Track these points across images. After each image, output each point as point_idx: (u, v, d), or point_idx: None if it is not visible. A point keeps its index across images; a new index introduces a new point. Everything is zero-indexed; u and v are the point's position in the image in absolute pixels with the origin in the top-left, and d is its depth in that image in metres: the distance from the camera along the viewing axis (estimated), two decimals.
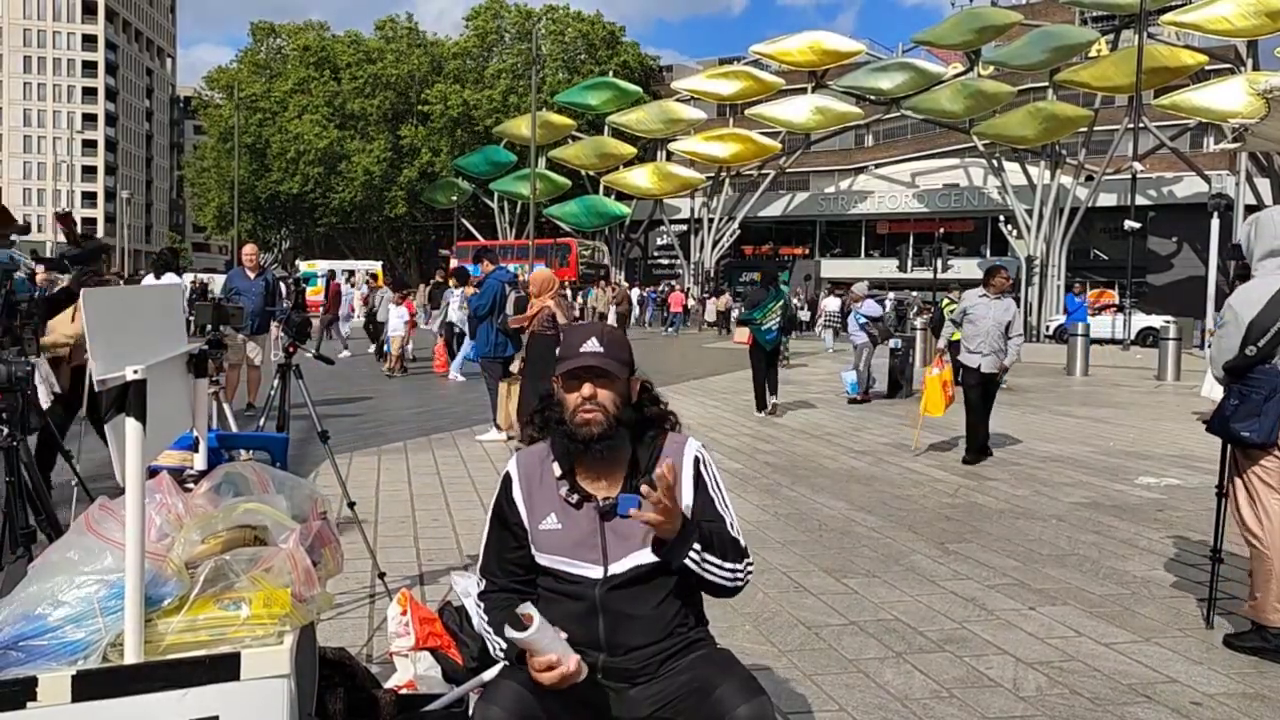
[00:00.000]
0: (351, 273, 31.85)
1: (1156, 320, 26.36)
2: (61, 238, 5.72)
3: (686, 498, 2.19)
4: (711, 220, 45.07)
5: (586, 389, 2.12)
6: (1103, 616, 4.34)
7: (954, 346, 9.18)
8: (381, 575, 4.33)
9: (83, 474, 4.22)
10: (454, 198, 51.51)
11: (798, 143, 42.84)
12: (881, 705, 3.35)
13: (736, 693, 1.98)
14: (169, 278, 9.96)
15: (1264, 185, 30.66)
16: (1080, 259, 39.10)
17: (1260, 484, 3.88)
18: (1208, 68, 33.22)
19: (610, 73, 50.44)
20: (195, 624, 1.86)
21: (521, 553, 2.20)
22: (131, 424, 1.81)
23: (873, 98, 40.00)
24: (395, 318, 16.21)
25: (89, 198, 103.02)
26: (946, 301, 16.89)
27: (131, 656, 1.79)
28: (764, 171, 44.26)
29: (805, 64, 41.24)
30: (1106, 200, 36.33)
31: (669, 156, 48.02)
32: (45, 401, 4.28)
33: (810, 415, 11.57)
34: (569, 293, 38.23)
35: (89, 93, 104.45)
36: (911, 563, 5.18)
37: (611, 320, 28.21)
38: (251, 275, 10.03)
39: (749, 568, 2.19)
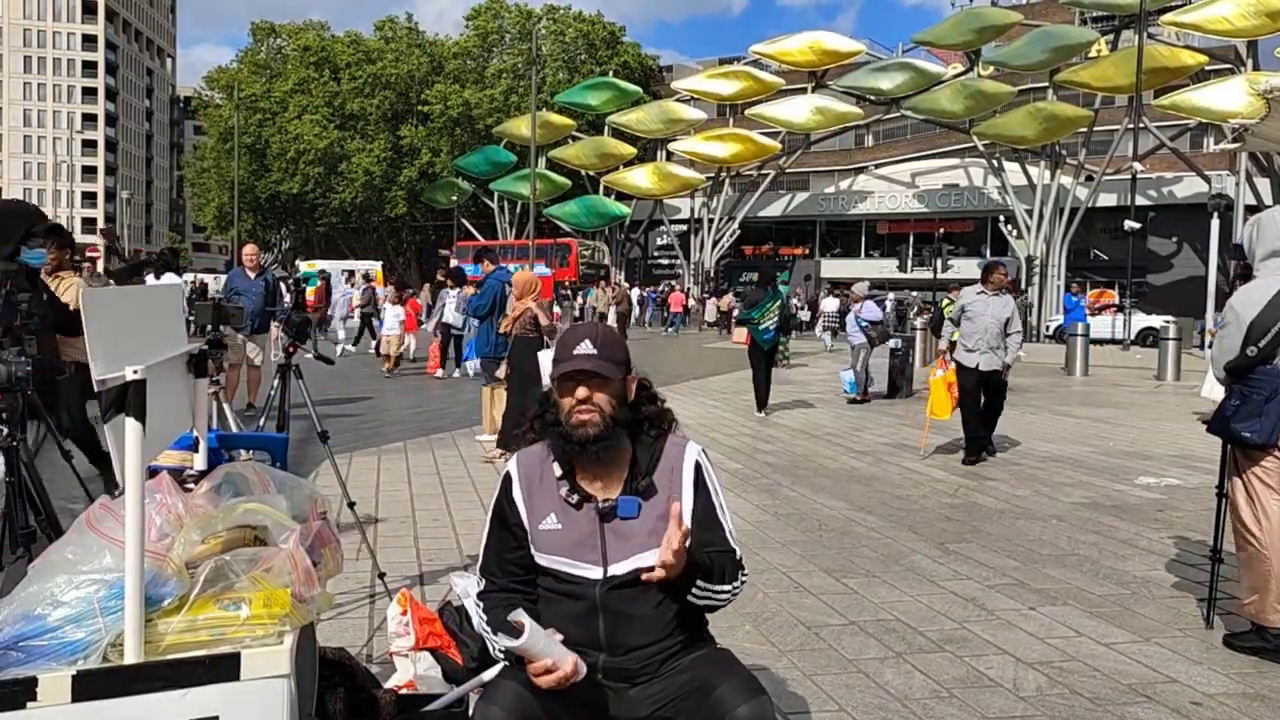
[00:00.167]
0: (351, 273, 31.92)
1: (1156, 320, 26.35)
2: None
3: (687, 502, 2.18)
4: (711, 220, 45.07)
5: (581, 391, 2.12)
6: (1103, 616, 4.34)
7: (955, 346, 9.14)
8: (381, 575, 4.33)
9: (82, 475, 4.22)
10: (454, 198, 51.52)
11: (798, 143, 42.85)
12: (881, 705, 3.35)
13: (737, 692, 1.99)
14: (169, 278, 9.96)
15: (1264, 185, 30.68)
16: (1080, 259, 39.11)
17: (1260, 484, 3.88)
18: (1208, 68, 33.22)
19: (610, 73, 50.44)
20: (195, 624, 1.86)
21: (521, 553, 2.20)
22: (131, 424, 1.81)
23: (873, 98, 40.01)
24: (391, 317, 16.22)
25: (89, 198, 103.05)
26: (946, 301, 16.89)
27: (131, 656, 1.79)
28: (764, 171, 44.27)
29: (805, 64, 41.24)
30: (1106, 200, 36.34)
31: (669, 156, 48.03)
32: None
33: (810, 415, 11.56)
34: (569, 292, 38.40)
35: (89, 93, 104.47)
36: (911, 563, 5.18)
37: (611, 320, 28.20)
38: (252, 275, 10.04)
39: (743, 578, 2.20)
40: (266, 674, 1.85)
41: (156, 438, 1.99)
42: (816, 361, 20.56)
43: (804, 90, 41.49)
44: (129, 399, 1.81)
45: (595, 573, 2.13)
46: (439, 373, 15.20)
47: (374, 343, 18.86)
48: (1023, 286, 33.91)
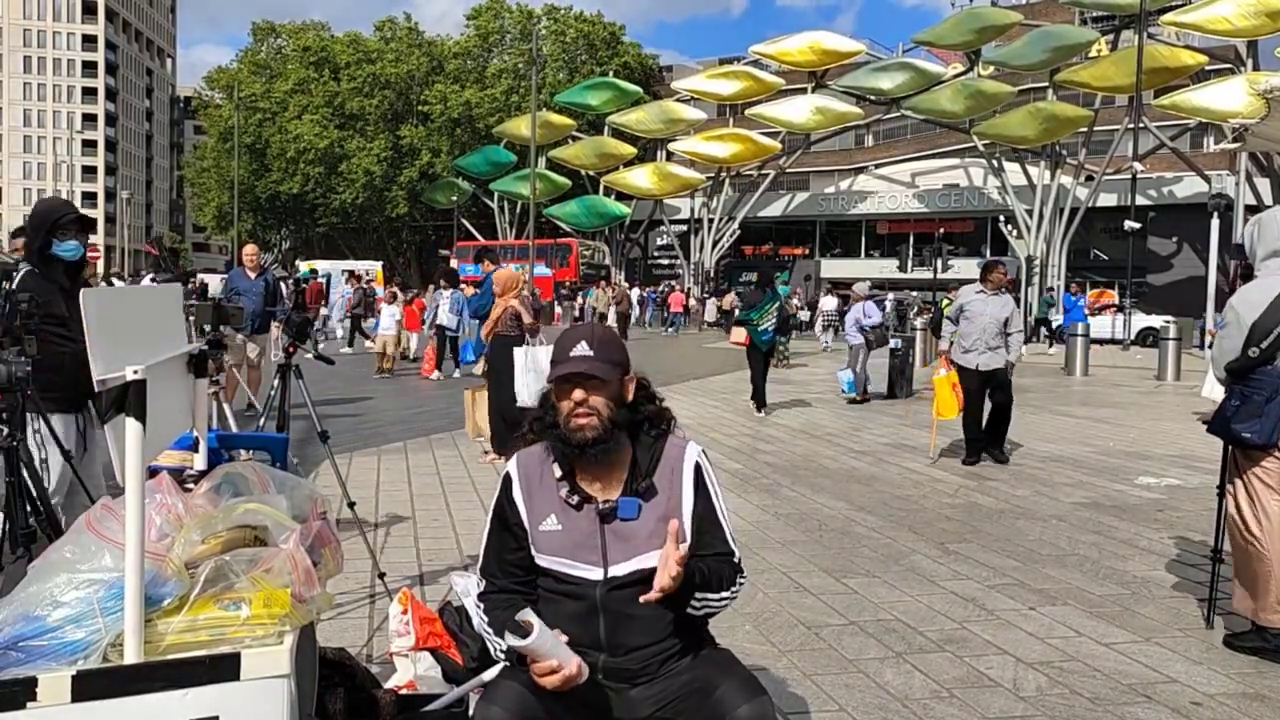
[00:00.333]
0: (352, 273, 32.01)
1: (1156, 320, 26.35)
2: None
3: (687, 504, 2.18)
4: (711, 220, 45.08)
5: (578, 394, 2.12)
6: (1103, 616, 4.34)
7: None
8: (381, 575, 4.33)
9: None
10: (454, 198, 51.51)
11: (798, 143, 42.85)
12: (881, 705, 3.35)
13: (737, 692, 1.99)
14: None
15: (1264, 185, 30.68)
16: (1080, 259, 39.12)
17: (1260, 485, 3.88)
18: (1208, 68, 33.24)
19: (610, 73, 50.44)
20: (195, 624, 1.86)
21: (521, 553, 2.20)
22: (131, 424, 1.81)
23: (873, 98, 40.02)
24: (386, 317, 16.21)
25: (89, 198, 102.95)
26: (946, 301, 16.89)
27: (131, 656, 1.79)
28: (764, 171, 44.27)
29: (805, 64, 41.25)
30: (1106, 200, 36.35)
31: (669, 156, 48.04)
32: None
33: (810, 415, 11.56)
34: (569, 292, 38.32)
35: (89, 93, 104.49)
36: (911, 563, 5.18)
37: (611, 320, 28.20)
38: (252, 275, 10.04)
39: (741, 581, 2.19)
40: (266, 674, 1.85)
41: (156, 438, 1.99)
42: (816, 361, 20.56)
43: (804, 90, 41.50)
44: (129, 399, 1.81)
45: (595, 574, 2.13)
46: (435, 375, 15.15)
47: (366, 343, 18.89)
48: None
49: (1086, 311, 23.56)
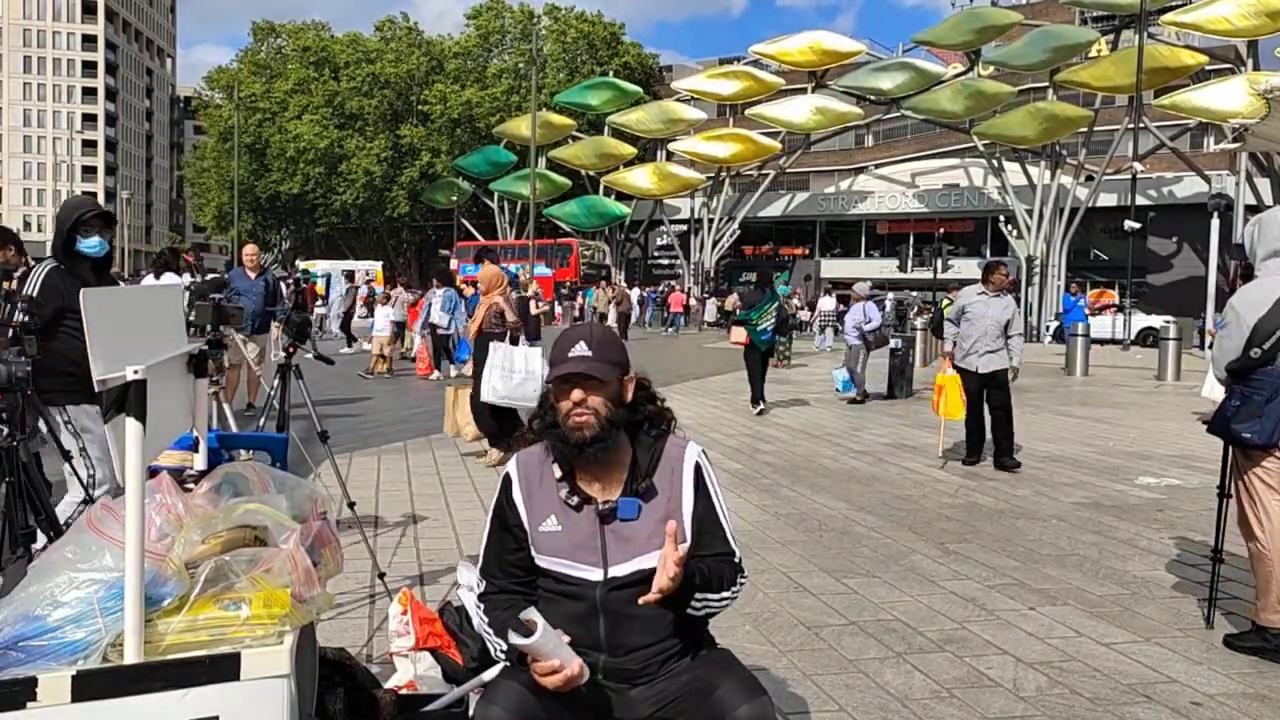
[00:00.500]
0: (351, 273, 32.14)
1: (1156, 320, 26.36)
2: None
3: (687, 504, 2.18)
4: (711, 220, 45.06)
5: (576, 394, 2.11)
6: (1103, 616, 4.34)
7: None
8: (381, 575, 4.33)
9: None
10: (454, 198, 51.51)
11: (798, 143, 42.84)
12: (881, 705, 3.35)
13: (737, 692, 1.98)
14: (168, 278, 9.96)
15: (1264, 185, 30.67)
16: (1080, 259, 39.12)
17: (1261, 485, 3.88)
18: (1208, 68, 33.23)
19: (611, 73, 50.44)
20: (195, 624, 1.86)
21: (522, 554, 2.20)
22: (131, 424, 1.81)
23: (873, 98, 39.99)
24: (381, 317, 16.19)
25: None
26: (946, 302, 16.88)
27: (131, 656, 1.79)
28: (764, 171, 44.26)
29: (805, 64, 41.23)
30: (1106, 200, 36.33)
31: (669, 156, 48.03)
32: None
33: (810, 415, 11.56)
34: (569, 292, 38.25)
35: (89, 93, 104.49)
36: (911, 563, 5.18)
37: (612, 320, 28.19)
38: (252, 275, 10.04)
39: (742, 581, 2.19)
40: (266, 674, 1.85)
41: (156, 438, 1.99)
42: (816, 361, 20.56)
43: (804, 90, 41.48)
44: (129, 399, 1.81)
45: (596, 574, 2.13)
46: (434, 375, 15.12)
47: (363, 344, 18.89)
48: (1021, 287, 33.91)
49: (1087, 312, 23.58)
